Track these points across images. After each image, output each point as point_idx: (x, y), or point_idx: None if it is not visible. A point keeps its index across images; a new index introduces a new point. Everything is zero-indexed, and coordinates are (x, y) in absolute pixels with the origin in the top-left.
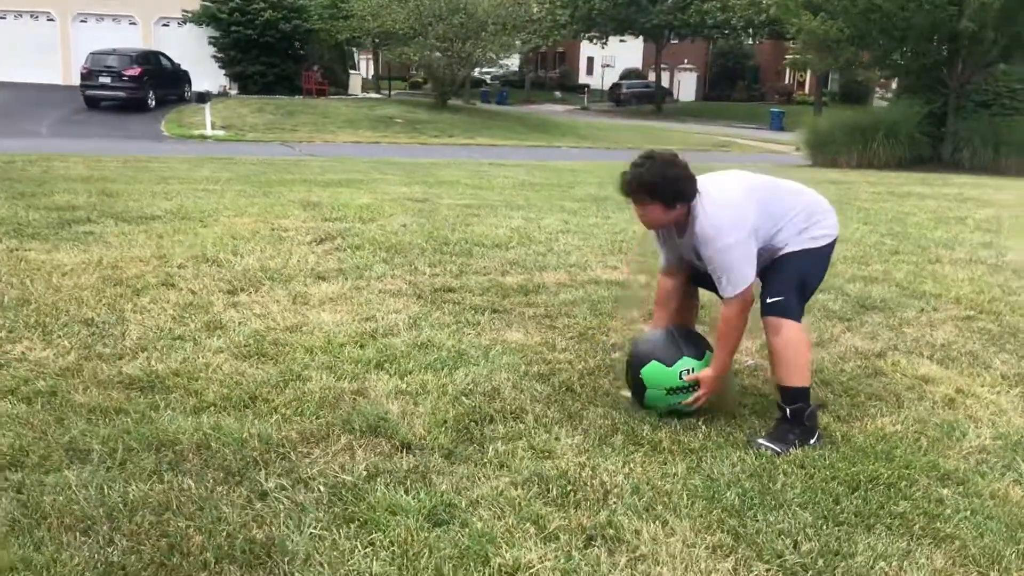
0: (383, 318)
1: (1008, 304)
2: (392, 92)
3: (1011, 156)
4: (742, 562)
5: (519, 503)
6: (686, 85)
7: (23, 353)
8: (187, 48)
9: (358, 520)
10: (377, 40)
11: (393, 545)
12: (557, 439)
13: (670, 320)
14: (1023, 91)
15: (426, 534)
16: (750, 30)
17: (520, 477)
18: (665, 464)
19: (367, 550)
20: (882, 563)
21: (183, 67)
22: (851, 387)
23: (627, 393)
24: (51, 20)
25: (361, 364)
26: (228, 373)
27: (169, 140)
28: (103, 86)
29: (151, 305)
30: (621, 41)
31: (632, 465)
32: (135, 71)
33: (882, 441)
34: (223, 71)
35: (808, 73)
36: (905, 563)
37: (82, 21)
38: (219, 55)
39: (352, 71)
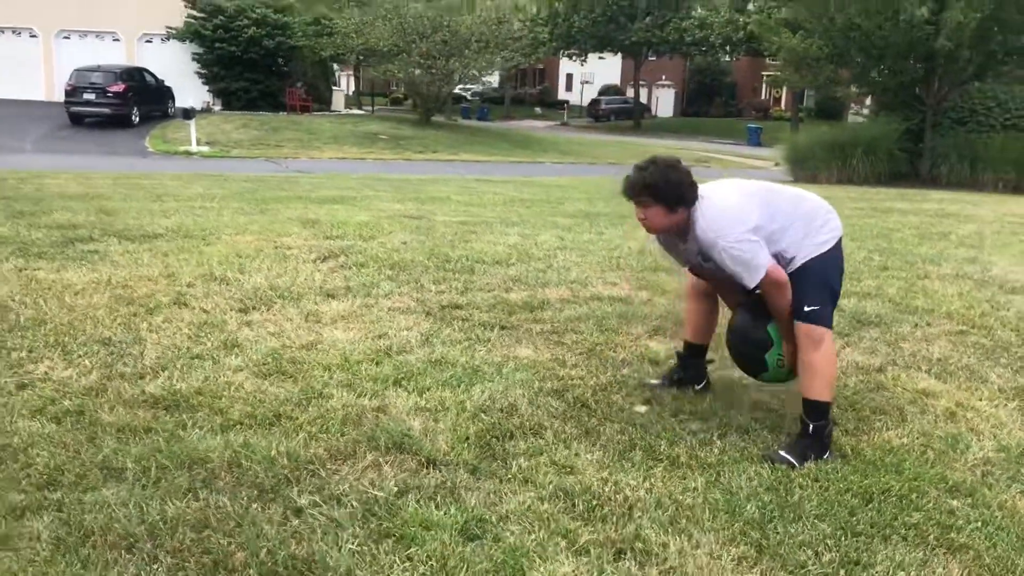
0: (395, 335)
1: (998, 319)
2: (375, 108)
3: (987, 172)
4: (767, 573)
5: (547, 518)
6: (664, 101)
7: (46, 373)
8: (170, 64)
9: (394, 535)
10: (361, 57)
11: (431, 559)
12: (577, 455)
13: (703, 312)
14: (998, 109)
15: (461, 548)
16: (727, 47)
17: (545, 492)
18: (684, 479)
19: (406, 564)
20: (901, 573)
21: (166, 83)
22: (856, 401)
23: (641, 409)
24: (34, 36)
25: (379, 381)
26: (250, 391)
27: (154, 156)
28: (88, 102)
29: (165, 324)
30: (600, 58)
31: (653, 480)
32: (119, 87)
33: (890, 454)
34: (206, 87)
35: (784, 89)
36: (923, 572)
37: (65, 38)
38: (202, 71)
39: (334, 87)
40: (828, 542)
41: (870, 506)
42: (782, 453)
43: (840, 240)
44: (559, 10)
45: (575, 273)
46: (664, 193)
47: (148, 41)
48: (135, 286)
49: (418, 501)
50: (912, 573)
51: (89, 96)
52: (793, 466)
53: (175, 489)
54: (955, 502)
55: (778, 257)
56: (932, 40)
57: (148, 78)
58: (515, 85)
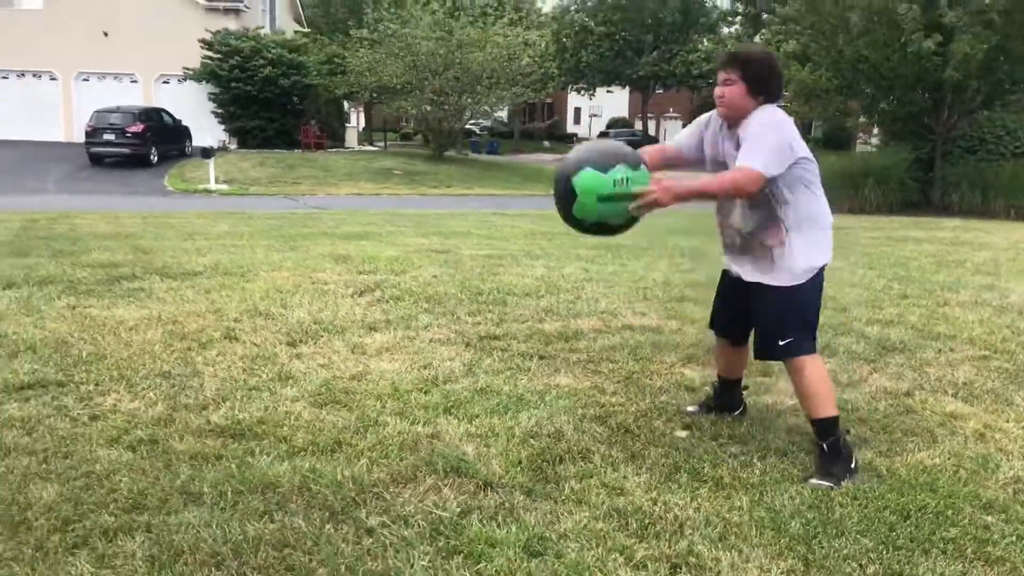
0: (439, 365)
1: (1019, 344)
2: (387, 144)
3: (998, 199)
4: None
5: (603, 535)
6: (672, 133)
7: (114, 404)
8: (187, 104)
9: (462, 552)
10: (374, 95)
11: (500, 574)
12: (625, 477)
13: (732, 351)
14: (1008, 137)
15: (526, 564)
16: None
17: (599, 512)
18: (729, 498)
19: None
20: None
21: (184, 123)
22: (887, 424)
23: (682, 434)
24: (53, 79)
25: (430, 409)
26: (309, 420)
27: (174, 195)
28: (107, 143)
29: (219, 358)
30: (608, 91)
31: (699, 500)
32: (138, 128)
33: (924, 473)
34: (223, 126)
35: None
36: None
37: (84, 80)
38: (219, 111)
39: (347, 124)
40: (871, 555)
41: (908, 522)
42: (814, 481)
43: (822, 270)
44: (567, 45)
45: (604, 304)
46: (756, 74)
47: (165, 82)
48: (184, 322)
49: (481, 521)
50: None
51: (109, 137)
52: (831, 487)
53: (251, 511)
54: (989, 518)
55: (777, 194)
56: (940, 71)
57: (166, 118)
58: (524, 119)
